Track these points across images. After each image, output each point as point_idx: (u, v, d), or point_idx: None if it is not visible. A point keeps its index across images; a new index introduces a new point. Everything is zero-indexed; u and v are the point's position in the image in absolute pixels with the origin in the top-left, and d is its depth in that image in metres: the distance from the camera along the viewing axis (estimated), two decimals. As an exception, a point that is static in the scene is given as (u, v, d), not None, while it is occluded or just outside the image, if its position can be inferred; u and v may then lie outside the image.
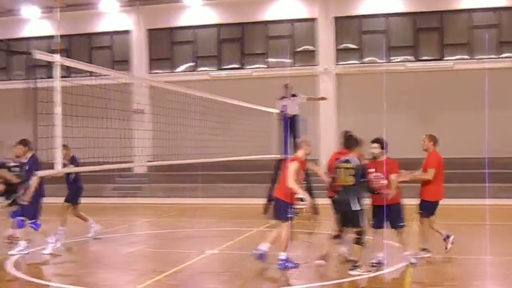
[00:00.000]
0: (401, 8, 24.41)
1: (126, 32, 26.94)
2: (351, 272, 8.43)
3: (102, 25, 27.33)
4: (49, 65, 9.22)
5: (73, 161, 11.38)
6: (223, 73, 25.86)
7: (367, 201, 8.85)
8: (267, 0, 25.50)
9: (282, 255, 8.93)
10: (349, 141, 9.01)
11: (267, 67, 25.47)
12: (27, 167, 10.50)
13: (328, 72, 24.46)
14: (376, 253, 9.05)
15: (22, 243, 10.49)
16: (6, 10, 27.59)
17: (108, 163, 10.47)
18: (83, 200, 12.41)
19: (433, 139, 9.79)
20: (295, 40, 25.38)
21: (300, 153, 9.19)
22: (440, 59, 23.92)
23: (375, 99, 21.56)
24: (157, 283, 8.34)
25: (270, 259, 9.12)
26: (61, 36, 25.65)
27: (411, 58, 24.26)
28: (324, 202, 12.66)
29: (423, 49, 24.27)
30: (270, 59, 25.52)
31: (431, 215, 9.77)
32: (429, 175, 9.52)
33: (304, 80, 22.15)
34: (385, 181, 8.76)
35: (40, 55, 7.70)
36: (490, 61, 22.78)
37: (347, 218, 8.68)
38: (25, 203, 10.22)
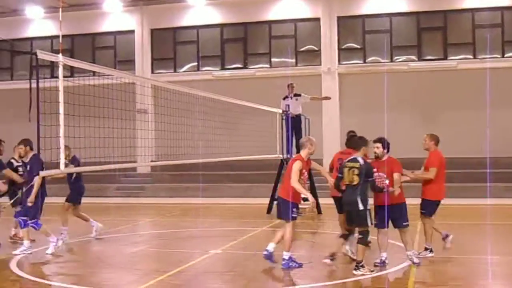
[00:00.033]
0: (404, 7, 24.36)
1: (130, 32, 26.95)
2: (355, 272, 8.42)
3: (106, 25, 27.36)
4: (52, 65, 9.24)
5: (74, 161, 11.39)
6: (227, 73, 25.87)
7: (370, 201, 8.85)
8: (270, 0, 25.49)
9: (286, 255, 8.94)
10: (357, 141, 8.98)
11: (270, 67, 25.47)
12: (28, 167, 10.53)
13: (331, 72, 24.43)
14: (380, 253, 9.05)
15: (26, 243, 10.50)
16: (10, 10, 27.65)
17: (111, 163, 10.50)
18: (86, 200, 12.40)
19: (434, 138, 9.76)
20: (298, 40, 25.35)
21: (304, 152, 9.18)
22: (443, 59, 23.87)
23: (378, 99, 21.53)
24: (161, 283, 8.33)
25: (276, 259, 9.12)
26: (65, 36, 25.67)
27: (415, 57, 24.22)
28: (327, 202, 12.69)
29: (426, 49, 24.22)
30: (273, 59, 25.50)
31: (433, 214, 9.77)
32: (431, 174, 9.50)
33: (307, 80, 22.15)
34: (388, 181, 8.75)
35: (44, 55, 7.71)
36: (494, 60, 22.75)
37: (351, 218, 8.68)
38: (30, 204, 10.23)
